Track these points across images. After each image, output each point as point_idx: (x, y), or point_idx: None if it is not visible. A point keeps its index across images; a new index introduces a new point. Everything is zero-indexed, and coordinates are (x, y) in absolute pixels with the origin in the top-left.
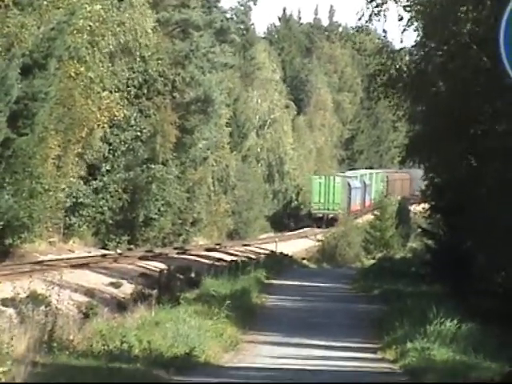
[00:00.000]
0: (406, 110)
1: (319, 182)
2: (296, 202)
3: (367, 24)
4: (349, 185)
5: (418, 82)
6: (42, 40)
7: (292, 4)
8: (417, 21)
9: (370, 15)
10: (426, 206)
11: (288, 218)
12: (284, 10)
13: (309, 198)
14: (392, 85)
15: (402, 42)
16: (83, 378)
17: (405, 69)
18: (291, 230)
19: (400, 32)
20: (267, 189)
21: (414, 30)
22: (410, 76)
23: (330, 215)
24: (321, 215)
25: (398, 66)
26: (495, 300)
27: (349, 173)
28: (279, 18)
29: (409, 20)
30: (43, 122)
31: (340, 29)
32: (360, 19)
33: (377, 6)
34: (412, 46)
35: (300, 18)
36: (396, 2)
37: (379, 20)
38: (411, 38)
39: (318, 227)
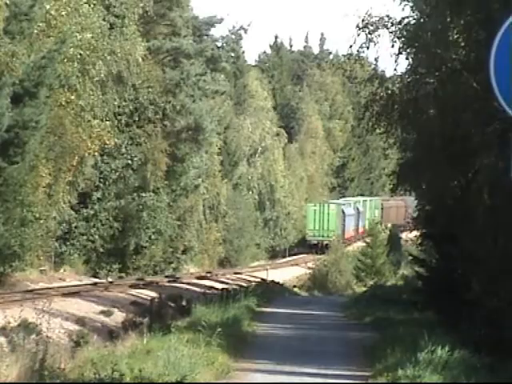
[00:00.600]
0: (397, 137)
1: (314, 210)
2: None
3: (358, 52)
4: (343, 212)
5: (409, 108)
6: (32, 68)
7: (283, 32)
8: (408, 48)
9: (362, 43)
10: (418, 233)
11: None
12: (275, 37)
13: (300, 225)
14: (383, 113)
15: (395, 69)
16: None
17: (396, 96)
18: (289, 256)
19: (393, 59)
20: (258, 217)
21: (406, 58)
22: (401, 103)
23: (325, 242)
24: (316, 242)
25: (389, 93)
26: (487, 328)
27: (342, 200)
28: (270, 46)
29: (400, 48)
30: (34, 151)
31: (331, 56)
32: (351, 47)
33: (369, 33)
34: (403, 73)
35: (291, 46)
36: (387, 29)
37: (368, 48)
38: (403, 65)
39: (316, 253)
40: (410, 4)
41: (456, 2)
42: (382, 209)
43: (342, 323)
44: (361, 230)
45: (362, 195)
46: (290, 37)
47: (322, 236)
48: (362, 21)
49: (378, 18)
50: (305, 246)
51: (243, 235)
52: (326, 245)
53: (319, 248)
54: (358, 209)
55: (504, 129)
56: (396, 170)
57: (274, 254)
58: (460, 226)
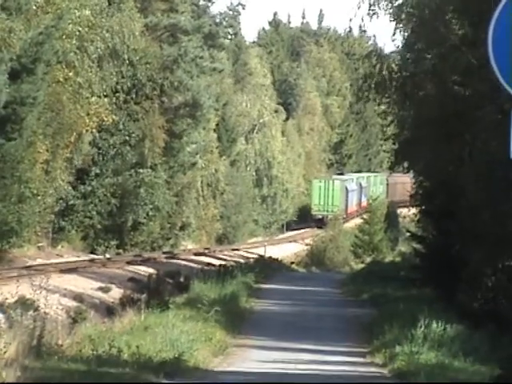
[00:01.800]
0: (395, 115)
1: (319, 186)
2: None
3: (360, 27)
4: (346, 188)
5: (407, 85)
6: (30, 45)
7: (282, 8)
8: (407, 23)
9: (363, 16)
10: (416, 210)
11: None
12: (274, 14)
13: (298, 201)
14: (381, 89)
15: (394, 45)
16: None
17: (394, 72)
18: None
19: (391, 35)
20: (256, 193)
21: (404, 34)
22: (399, 79)
23: (330, 216)
24: (321, 217)
25: (387, 69)
26: (485, 303)
27: (346, 175)
28: (269, 23)
29: (398, 22)
30: (31, 127)
31: (329, 33)
32: (351, 20)
33: (369, 7)
34: (402, 49)
35: (290, 23)
36: (387, 5)
37: (371, 19)
38: (402, 41)
39: (319, 228)
40: None
41: None
42: (387, 184)
43: (339, 299)
44: (364, 204)
45: (360, 171)
46: (288, 13)
47: (327, 211)
48: None
49: None
50: (307, 220)
51: (241, 212)
52: (331, 219)
53: (324, 222)
54: (360, 184)
55: (502, 105)
56: (394, 148)
57: (278, 228)
58: (458, 202)
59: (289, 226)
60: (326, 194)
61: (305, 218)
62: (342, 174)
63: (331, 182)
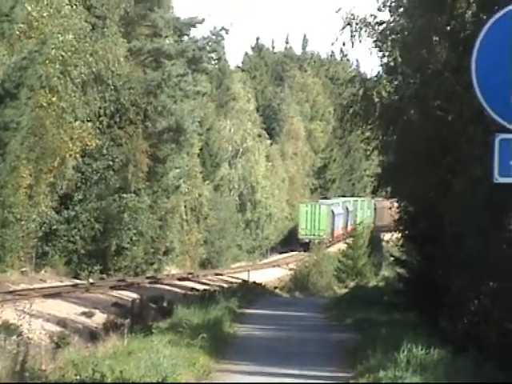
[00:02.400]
0: (379, 141)
1: (306, 210)
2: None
3: (342, 51)
4: (332, 212)
5: (390, 110)
6: (13, 69)
7: (266, 34)
8: (390, 49)
9: (345, 42)
10: (399, 234)
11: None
12: (257, 39)
13: (282, 225)
14: (364, 115)
15: (380, 69)
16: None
17: (376, 99)
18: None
19: (374, 60)
20: (239, 218)
21: (387, 59)
22: (382, 104)
23: (316, 240)
24: (307, 241)
25: (370, 94)
26: (469, 327)
27: (333, 200)
28: (252, 48)
29: (381, 47)
30: (15, 152)
31: (312, 58)
32: (333, 44)
33: (352, 32)
34: (385, 74)
35: (274, 48)
36: (371, 27)
37: (353, 45)
38: (384, 66)
39: (306, 251)
40: (389, 10)
41: (437, 2)
42: (375, 209)
43: (323, 324)
44: (350, 228)
45: (344, 196)
46: (272, 39)
47: (313, 235)
48: (346, 18)
49: (361, 17)
50: (292, 244)
51: (224, 236)
52: (318, 242)
53: (310, 246)
54: (347, 208)
55: (486, 130)
56: (378, 172)
57: (261, 253)
58: (441, 228)
59: (274, 250)
60: (312, 218)
61: (289, 242)
62: (328, 198)
63: (317, 206)
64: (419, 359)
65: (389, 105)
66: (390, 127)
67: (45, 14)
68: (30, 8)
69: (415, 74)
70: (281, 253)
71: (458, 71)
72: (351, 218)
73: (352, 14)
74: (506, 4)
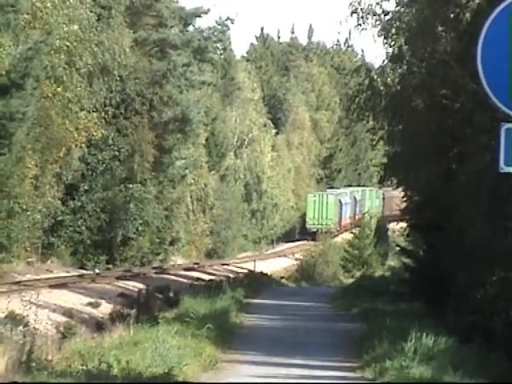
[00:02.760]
0: (385, 132)
1: (314, 200)
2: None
3: (346, 40)
4: (340, 201)
5: (396, 99)
6: (19, 60)
7: (272, 24)
8: (395, 38)
9: (351, 29)
10: (405, 224)
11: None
12: (262, 29)
13: (288, 215)
14: (370, 105)
15: (386, 59)
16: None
17: (382, 88)
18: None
19: (380, 49)
20: (245, 208)
21: (393, 49)
22: (388, 94)
23: (324, 230)
24: (315, 230)
25: (376, 84)
26: (474, 317)
27: (341, 189)
28: (257, 38)
29: (386, 36)
30: (21, 142)
31: (318, 47)
32: (339, 33)
33: (358, 20)
34: (391, 64)
35: (279, 38)
36: (377, 16)
37: (361, 31)
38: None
39: (314, 240)
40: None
41: None
42: (383, 199)
43: (329, 314)
44: (358, 217)
45: (349, 186)
46: (278, 28)
47: (321, 224)
48: (352, 6)
49: (367, 6)
50: (301, 233)
51: (230, 226)
52: (325, 232)
53: (318, 234)
54: (355, 198)
55: (492, 119)
56: (384, 162)
57: (267, 243)
58: (447, 217)
59: (282, 240)
60: (320, 208)
61: (298, 231)
62: (337, 188)
63: (325, 196)
64: (426, 348)
65: (395, 94)
66: (396, 117)
67: (49, 5)
68: None
69: (421, 63)
70: (288, 242)
71: (463, 61)
72: (359, 208)
73: (358, 3)
74: None
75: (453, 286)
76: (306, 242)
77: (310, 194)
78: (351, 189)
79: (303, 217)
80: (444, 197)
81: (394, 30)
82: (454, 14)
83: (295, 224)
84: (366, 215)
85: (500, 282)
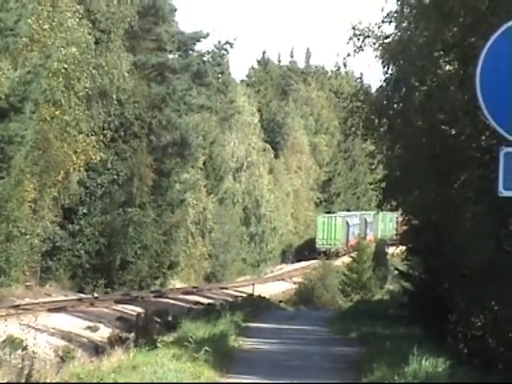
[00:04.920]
0: (383, 155)
1: (323, 221)
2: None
3: (344, 61)
4: (347, 223)
5: (395, 122)
6: (18, 83)
7: (271, 47)
8: (395, 61)
9: (349, 53)
10: (404, 248)
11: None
12: (263, 52)
13: (286, 239)
14: (368, 125)
15: (381, 81)
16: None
17: (382, 110)
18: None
19: (379, 72)
20: (244, 231)
21: (391, 71)
22: (387, 116)
23: (332, 249)
24: (324, 249)
25: (375, 107)
26: (474, 342)
27: (350, 212)
28: (258, 62)
29: (385, 59)
30: (19, 165)
31: (316, 72)
32: (338, 55)
33: (357, 43)
34: (390, 86)
35: (280, 61)
36: (376, 39)
37: (358, 52)
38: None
39: (327, 259)
40: (395, 22)
41: (445, 16)
42: (396, 222)
43: (327, 338)
44: (369, 238)
45: (348, 210)
46: (278, 52)
47: (330, 244)
48: (353, 28)
49: (365, 30)
50: (310, 254)
51: (229, 250)
52: (333, 251)
53: (327, 254)
54: (365, 220)
55: (491, 143)
56: (382, 186)
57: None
58: (446, 241)
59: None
60: (329, 229)
61: (307, 251)
62: (349, 210)
63: (334, 217)
64: (425, 372)
65: (393, 116)
66: (395, 139)
67: (46, 27)
68: (30, 21)
69: (420, 86)
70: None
71: (462, 84)
72: (370, 229)
73: (356, 27)
74: (507, 19)
75: (451, 309)
76: (316, 260)
77: (319, 216)
78: (362, 212)
79: (312, 238)
80: (443, 221)
81: (392, 54)
82: (453, 37)
83: (305, 243)
84: (362, 241)
85: (499, 305)
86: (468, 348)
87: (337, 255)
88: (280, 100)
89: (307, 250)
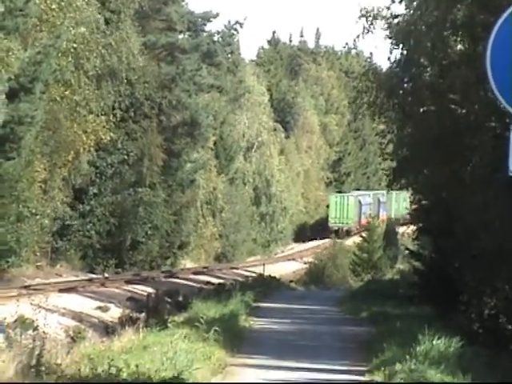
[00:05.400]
0: (394, 134)
1: (335, 201)
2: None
3: (355, 42)
4: (360, 202)
5: (406, 102)
6: (27, 64)
7: (282, 27)
8: (404, 41)
9: (359, 34)
10: (414, 227)
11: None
12: (273, 32)
13: (297, 219)
14: (378, 106)
15: (389, 59)
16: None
17: (392, 90)
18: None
19: (389, 51)
20: (254, 211)
21: (401, 50)
22: (397, 96)
23: (345, 228)
24: (336, 228)
25: (385, 87)
26: (483, 321)
27: (362, 191)
28: (268, 42)
29: (396, 40)
30: (30, 146)
31: (326, 51)
32: (348, 38)
33: (367, 23)
34: (399, 64)
35: (291, 41)
36: (385, 19)
37: (368, 32)
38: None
39: (337, 237)
40: (405, 2)
41: None
42: (410, 202)
43: (338, 318)
44: (381, 217)
45: (358, 189)
46: (289, 32)
47: (342, 223)
48: (360, 10)
49: (375, 9)
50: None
51: (239, 230)
52: (346, 230)
53: (340, 232)
54: (378, 199)
55: (502, 123)
56: (393, 166)
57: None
58: (456, 221)
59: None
60: (341, 208)
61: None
62: (364, 189)
63: (346, 197)
64: (437, 351)
65: (404, 96)
66: (405, 119)
67: (54, 7)
68: (38, 1)
69: (430, 66)
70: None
71: (473, 64)
72: (383, 209)
73: (365, 9)
74: None
75: (462, 289)
76: (328, 239)
77: (331, 195)
78: (376, 191)
79: (323, 217)
80: (453, 200)
81: (403, 34)
82: (463, 17)
83: (316, 223)
84: (374, 220)
85: (510, 286)
86: (479, 327)
87: (348, 234)
88: (290, 80)
89: (320, 229)
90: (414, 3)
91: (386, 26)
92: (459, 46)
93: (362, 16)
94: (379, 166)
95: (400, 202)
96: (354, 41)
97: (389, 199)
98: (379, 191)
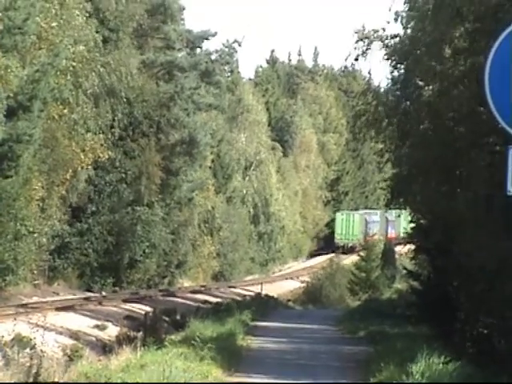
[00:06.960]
0: (392, 153)
1: (341, 218)
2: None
3: (353, 64)
4: (366, 220)
5: (403, 121)
6: (26, 82)
7: (280, 46)
8: (402, 61)
9: (357, 55)
10: (412, 247)
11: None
12: (272, 51)
13: (295, 238)
14: (377, 126)
15: (389, 80)
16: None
17: (390, 109)
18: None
19: (387, 71)
20: (252, 230)
21: (398, 71)
22: (395, 115)
23: (350, 244)
24: (342, 244)
25: (383, 106)
26: (480, 340)
27: (369, 210)
28: (267, 60)
29: (394, 61)
30: (27, 164)
31: (324, 70)
32: (346, 59)
33: (364, 46)
34: (396, 84)
35: (290, 60)
36: (382, 41)
37: (365, 56)
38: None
39: (343, 253)
40: (402, 21)
41: (455, 14)
42: None
43: (335, 337)
44: (391, 235)
45: (356, 209)
46: (288, 51)
47: (348, 239)
48: (357, 33)
49: (372, 31)
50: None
51: (237, 249)
52: (351, 246)
53: (345, 249)
54: (386, 218)
55: (499, 142)
56: (390, 185)
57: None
58: (453, 240)
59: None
60: (347, 225)
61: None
62: (375, 209)
63: (352, 215)
64: (434, 371)
65: (402, 115)
66: (403, 138)
67: (53, 25)
68: (38, 19)
69: (427, 86)
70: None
71: (470, 83)
72: (391, 227)
73: (364, 28)
74: None
75: (459, 308)
76: (334, 254)
77: (337, 213)
78: (382, 210)
79: (327, 234)
80: (451, 220)
81: (400, 53)
82: (461, 37)
83: (322, 239)
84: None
85: (505, 304)
86: (476, 347)
87: (353, 250)
88: (288, 98)
89: (325, 245)
90: (412, 23)
91: (384, 46)
92: (457, 66)
93: (360, 40)
94: (377, 184)
95: (408, 221)
96: (352, 64)
97: (397, 218)
98: (390, 211)
